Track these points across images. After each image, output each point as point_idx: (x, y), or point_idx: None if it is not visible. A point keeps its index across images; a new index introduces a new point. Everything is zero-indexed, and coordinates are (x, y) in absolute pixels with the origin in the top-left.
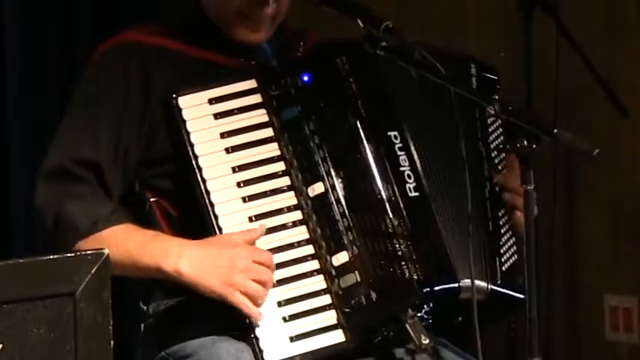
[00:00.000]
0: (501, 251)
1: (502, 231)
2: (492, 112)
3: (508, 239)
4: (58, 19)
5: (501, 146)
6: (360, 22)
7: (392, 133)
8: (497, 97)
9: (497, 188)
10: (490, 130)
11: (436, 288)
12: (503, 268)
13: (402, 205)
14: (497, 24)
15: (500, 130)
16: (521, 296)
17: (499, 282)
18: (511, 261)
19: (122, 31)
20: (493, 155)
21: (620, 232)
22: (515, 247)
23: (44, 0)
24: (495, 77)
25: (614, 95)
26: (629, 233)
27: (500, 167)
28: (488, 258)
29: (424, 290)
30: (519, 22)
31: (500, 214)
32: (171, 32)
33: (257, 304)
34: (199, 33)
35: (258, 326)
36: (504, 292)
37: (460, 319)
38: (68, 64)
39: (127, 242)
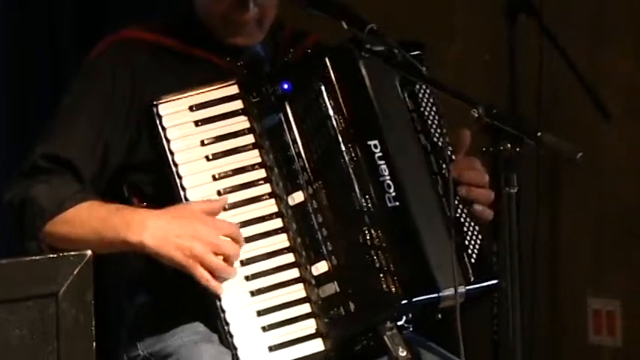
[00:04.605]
0: (466, 243)
1: (461, 221)
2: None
3: (468, 228)
4: (46, 16)
5: (446, 134)
6: (344, 24)
7: (372, 142)
8: (426, 68)
9: (447, 177)
10: (429, 118)
11: (415, 299)
12: (472, 261)
13: (381, 216)
14: (483, 28)
15: (436, 116)
16: (495, 281)
17: (472, 279)
18: (477, 249)
19: (109, 28)
20: (439, 146)
21: (604, 236)
22: (477, 231)
23: None
24: (419, 51)
25: (598, 99)
26: (612, 236)
27: (450, 157)
28: (458, 258)
29: (403, 303)
30: (504, 26)
31: (456, 207)
32: (167, 30)
33: (219, 279)
34: (192, 34)
35: (237, 333)
36: (479, 287)
37: (440, 315)
38: (55, 61)
39: (90, 219)
